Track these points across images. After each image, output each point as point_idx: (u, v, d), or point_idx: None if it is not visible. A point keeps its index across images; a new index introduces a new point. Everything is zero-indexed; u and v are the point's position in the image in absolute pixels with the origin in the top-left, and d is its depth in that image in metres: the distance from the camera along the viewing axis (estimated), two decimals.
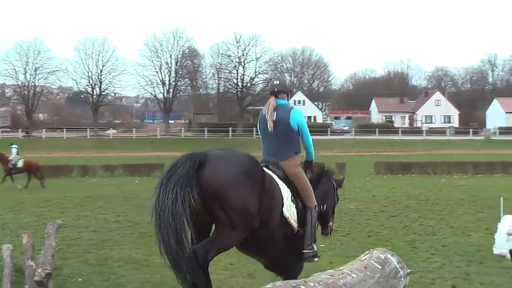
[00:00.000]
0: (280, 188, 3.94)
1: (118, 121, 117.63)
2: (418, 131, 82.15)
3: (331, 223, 5.19)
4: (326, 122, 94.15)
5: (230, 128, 73.51)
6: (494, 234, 13.60)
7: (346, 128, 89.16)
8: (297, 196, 4.14)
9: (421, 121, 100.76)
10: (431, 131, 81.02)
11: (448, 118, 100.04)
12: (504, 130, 78.61)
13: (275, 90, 4.72)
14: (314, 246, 4.32)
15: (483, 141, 63.58)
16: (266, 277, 11.30)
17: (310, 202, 4.21)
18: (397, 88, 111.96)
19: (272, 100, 4.58)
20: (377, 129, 71.79)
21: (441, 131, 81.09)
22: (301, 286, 2.86)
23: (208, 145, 57.82)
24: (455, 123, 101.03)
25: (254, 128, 72.80)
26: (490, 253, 13.23)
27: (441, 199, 22.15)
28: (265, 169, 4.01)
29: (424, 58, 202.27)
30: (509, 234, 13.21)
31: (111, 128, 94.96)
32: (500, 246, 13.25)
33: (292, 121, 4.56)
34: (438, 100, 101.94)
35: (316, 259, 4.53)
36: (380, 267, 4.22)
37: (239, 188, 3.30)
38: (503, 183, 28.06)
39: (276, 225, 3.78)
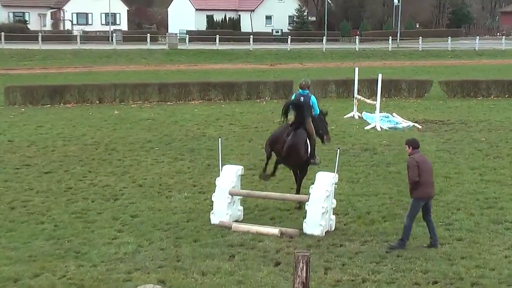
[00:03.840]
0: (306, 138, 14.58)
1: None
2: (68, 37, 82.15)
3: (326, 136, 15.86)
4: None
5: None
6: (212, 194, 14.06)
7: None
8: (308, 133, 14.70)
9: (71, 21, 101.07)
10: (88, 37, 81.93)
11: (113, 18, 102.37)
12: (196, 36, 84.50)
13: (303, 87, 14.97)
14: (316, 157, 15.27)
15: (166, 52, 67.07)
16: None
17: (313, 134, 14.83)
18: None
19: (298, 93, 15.17)
20: (2, 34, 69.53)
21: (104, 38, 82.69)
22: None
23: None
24: (123, 25, 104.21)
25: None
26: (207, 223, 13.82)
27: (119, 142, 22.53)
28: (302, 130, 14.51)
29: None
30: (232, 194, 13.79)
31: None
32: (221, 212, 13.76)
33: (310, 101, 15.02)
34: None
35: (317, 163, 15.46)
36: None
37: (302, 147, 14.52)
38: (203, 113, 29.76)
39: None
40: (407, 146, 12.62)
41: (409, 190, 12.50)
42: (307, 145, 14.59)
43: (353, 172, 18.20)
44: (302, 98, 14.73)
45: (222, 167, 14.21)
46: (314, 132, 15.14)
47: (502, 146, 22.03)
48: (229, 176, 13.99)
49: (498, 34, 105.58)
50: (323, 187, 13.22)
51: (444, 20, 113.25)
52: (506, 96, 36.09)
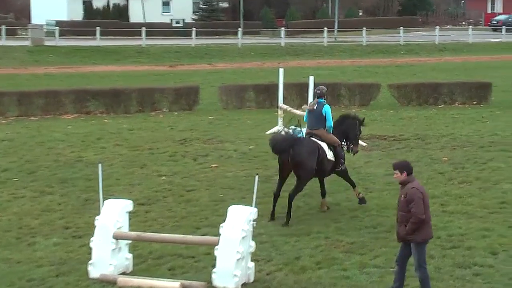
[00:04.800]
0: (323, 146, 18.55)
1: None
2: None
3: (353, 146, 19.81)
4: None
5: None
6: (91, 239, 14.00)
7: None
8: (329, 144, 18.84)
9: None
10: None
11: None
12: (70, 28, 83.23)
13: (318, 96, 19.22)
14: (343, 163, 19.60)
15: (29, 50, 66.12)
16: None
17: (335, 143, 18.97)
18: None
19: (315, 100, 19.33)
20: None
21: None
22: None
23: None
24: None
25: None
26: (84, 278, 13.71)
27: None
28: (313, 138, 18.69)
29: None
30: (118, 238, 13.72)
31: None
32: (103, 262, 13.63)
33: (323, 111, 19.00)
34: None
35: (343, 168, 19.43)
36: None
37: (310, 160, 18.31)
38: (80, 131, 29.47)
39: (327, 162, 18.64)
40: (398, 172, 12.23)
41: (407, 232, 12.27)
42: (319, 154, 18.14)
43: (278, 205, 18.32)
44: (316, 106, 18.86)
45: (103, 202, 14.14)
46: (336, 139, 18.95)
47: (470, 168, 22.60)
48: (113, 214, 13.92)
49: (463, 23, 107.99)
50: (237, 225, 13.26)
51: (395, 6, 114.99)
52: (474, 102, 37.18)
